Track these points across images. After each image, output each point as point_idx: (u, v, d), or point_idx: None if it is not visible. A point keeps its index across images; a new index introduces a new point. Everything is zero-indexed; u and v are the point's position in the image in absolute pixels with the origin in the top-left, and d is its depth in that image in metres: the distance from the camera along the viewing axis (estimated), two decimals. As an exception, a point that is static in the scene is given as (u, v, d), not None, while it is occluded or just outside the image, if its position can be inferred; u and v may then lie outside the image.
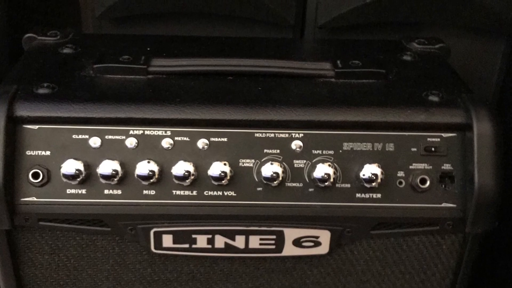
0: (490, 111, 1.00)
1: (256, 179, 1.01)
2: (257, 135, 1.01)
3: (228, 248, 1.04)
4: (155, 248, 1.04)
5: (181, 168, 0.98)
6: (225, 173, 0.98)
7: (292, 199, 1.01)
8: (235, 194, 1.01)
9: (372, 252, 1.07)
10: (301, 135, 1.01)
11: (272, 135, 1.01)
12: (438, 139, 1.02)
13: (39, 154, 0.99)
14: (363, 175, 0.99)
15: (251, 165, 1.01)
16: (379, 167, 0.99)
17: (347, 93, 1.06)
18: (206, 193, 1.00)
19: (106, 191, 1.00)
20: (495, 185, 0.99)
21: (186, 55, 1.13)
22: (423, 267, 1.09)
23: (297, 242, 1.04)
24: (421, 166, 1.01)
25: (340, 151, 1.01)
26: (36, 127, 0.99)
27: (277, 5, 1.36)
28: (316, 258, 1.08)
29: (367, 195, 1.01)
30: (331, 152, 1.01)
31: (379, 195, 1.01)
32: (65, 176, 0.97)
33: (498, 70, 1.45)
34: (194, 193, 1.00)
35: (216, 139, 1.00)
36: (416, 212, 1.02)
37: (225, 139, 1.01)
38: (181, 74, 1.09)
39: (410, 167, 1.01)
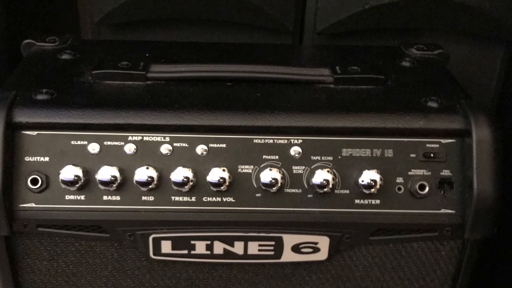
0: (489, 117, 1.00)
1: (255, 185, 1.00)
2: (256, 141, 1.01)
3: (227, 254, 1.04)
4: (154, 254, 1.04)
5: (180, 174, 0.98)
6: (224, 179, 0.98)
7: (291, 205, 1.01)
8: (234, 200, 1.01)
9: (371, 258, 1.07)
10: (300, 141, 1.01)
11: (271, 141, 1.01)
12: (437, 145, 1.02)
13: (38, 160, 0.99)
14: (362, 181, 0.99)
15: (250, 171, 1.00)
16: (378, 173, 0.99)
17: (346, 99, 1.06)
18: (205, 199, 1.00)
19: (105, 197, 1.00)
20: (494, 191, 0.99)
21: (185, 61, 1.13)
22: (422, 273, 1.09)
23: (296, 248, 1.04)
24: (420, 172, 1.01)
25: (339, 157, 1.01)
26: (35, 133, 0.99)
27: (276, 11, 1.36)
28: (315, 264, 1.08)
29: (366, 201, 1.01)
30: (330, 158, 1.01)
31: (378, 201, 1.01)
32: (64, 182, 0.97)
33: (497, 76, 1.45)
34: (193, 199, 1.00)
35: (215, 145, 1.00)
36: (415, 218, 1.02)
37: (224, 145, 1.01)
38: (180, 80, 1.09)
39: (409, 173, 1.01)
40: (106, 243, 1.04)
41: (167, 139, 1.00)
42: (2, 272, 1.05)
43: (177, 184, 0.98)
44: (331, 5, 1.35)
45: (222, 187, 0.99)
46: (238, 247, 1.04)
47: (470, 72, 1.44)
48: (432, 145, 1.02)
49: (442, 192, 1.02)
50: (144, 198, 1.00)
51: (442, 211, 1.02)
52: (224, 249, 1.04)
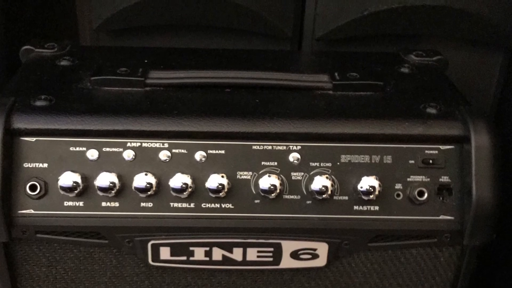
0: (488, 123, 1.00)
1: (254, 192, 1.00)
2: (254, 147, 1.01)
3: (226, 260, 1.04)
4: (153, 261, 1.04)
5: (178, 180, 0.98)
6: (222, 185, 0.98)
7: (289, 211, 1.01)
8: (232, 207, 1.00)
9: (369, 265, 1.07)
10: (298, 147, 1.01)
11: (270, 147, 1.01)
12: (436, 152, 1.02)
13: (37, 166, 0.99)
14: (361, 187, 0.99)
15: (249, 177, 1.00)
16: (376, 179, 0.99)
17: (345, 106, 1.06)
18: (204, 205, 1.00)
19: (103, 204, 0.99)
20: (493, 197, 0.99)
21: (184, 67, 1.13)
22: (421, 280, 1.09)
23: (294, 255, 1.04)
24: (419, 178, 1.01)
25: (338, 163, 1.01)
26: (34, 139, 0.99)
27: (275, 17, 1.36)
28: (313, 271, 1.07)
29: (364, 208, 1.01)
30: (329, 164, 1.01)
31: (376, 208, 1.01)
32: (63, 188, 0.97)
33: (496, 82, 1.45)
34: (192, 205, 1.00)
35: (214, 152, 1.00)
36: (414, 225, 1.02)
37: (223, 152, 1.00)
38: (178, 86, 1.09)
39: (408, 179, 1.01)
40: (104, 249, 1.04)
41: (166, 145, 1.00)
42: (1, 278, 1.05)
43: (176, 190, 0.98)
44: (330, 11, 1.35)
45: (221, 194, 0.99)
46: (237, 254, 1.03)
47: (469, 78, 1.44)
48: (431, 152, 1.02)
49: (441, 198, 1.02)
50: (142, 204, 1.00)
51: (441, 217, 1.02)
52: (223, 256, 1.03)
